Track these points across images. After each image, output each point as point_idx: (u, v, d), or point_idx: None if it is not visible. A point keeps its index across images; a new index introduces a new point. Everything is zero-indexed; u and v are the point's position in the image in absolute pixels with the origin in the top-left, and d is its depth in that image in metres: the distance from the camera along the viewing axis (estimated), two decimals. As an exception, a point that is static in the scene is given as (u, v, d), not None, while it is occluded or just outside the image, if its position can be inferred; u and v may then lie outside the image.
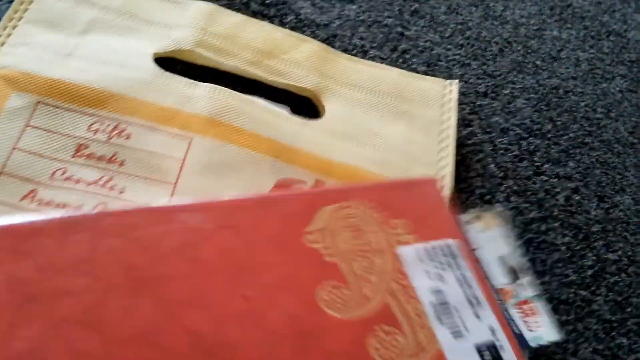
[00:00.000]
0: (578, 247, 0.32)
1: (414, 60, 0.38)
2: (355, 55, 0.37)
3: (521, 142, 0.36)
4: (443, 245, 0.24)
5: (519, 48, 0.42)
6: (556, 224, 0.33)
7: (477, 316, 0.22)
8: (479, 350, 0.21)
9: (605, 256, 0.32)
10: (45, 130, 0.27)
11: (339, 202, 0.24)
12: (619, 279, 0.32)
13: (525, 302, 0.24)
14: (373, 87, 0.35)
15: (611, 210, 0.35)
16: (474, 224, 0.25)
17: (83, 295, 0.19)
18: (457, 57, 0.39)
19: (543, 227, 0.33)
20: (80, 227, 0.20)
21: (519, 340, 0.23)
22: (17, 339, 0.17)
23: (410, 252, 0.23)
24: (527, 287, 0.25)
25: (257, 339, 0.19)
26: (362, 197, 0.24)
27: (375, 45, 0.38)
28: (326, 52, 0.35)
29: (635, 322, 0.30)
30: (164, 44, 0.31)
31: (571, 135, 0.38)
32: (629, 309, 0.31)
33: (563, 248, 0.32)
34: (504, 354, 0.22)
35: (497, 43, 0.41)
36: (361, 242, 0.23)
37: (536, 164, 0.36)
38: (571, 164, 0.36)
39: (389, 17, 0.40)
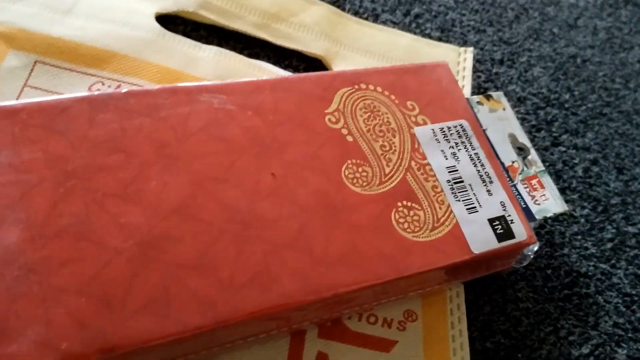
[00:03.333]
0: (597, 220, 0.31)
1: (428, 25, 0.37)
2: (366, 19, 0.35)
3: (538, 111, 0.35)
4: (457, 125, 0.25)
5: (535, 15, 0.40)
6: (575, 196, 0.32)
7: (489, 192, 0.24)
8: (491, 223, 0.23)
9: (625, 229, 0.31)
10: (44, 90, 0.25)
11: (354, 85, 0.24)
12: (639, 252, 0.30)
13: (531, 177, 0.26)
14: (385, 53, 0.33)
15: (630, 183, 0.33)
16: (482, 105, 0.27)
17: (119, 170, 0.19)
18: (472, 22, 0.38)
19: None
20: (107, 106, 0.20)
21: (526, 213, 0.25)
22: (63, 215, 0.18)
23: (426, 132, 0.24)
24: (532, 164, 0.26)
25: (289, 213, 0.20)
26: (376, 80, 0.25)
27: (387, 8, 0.36)
28: (336, 16, 0.33)
29: (655, 296, 0.30)
30: (166, 5, 0.30)
31: (589, 105, 0.36)
32: (650, 283, 0.30)
33: (582, 220, 0.31)
34: (513, 226, 0.23)
35: (513, 9, 0.40)
36: (379, 122, 0.24)
37: (554, 134, 0.34)
38: (589, 134, 0.35)
39: (401, -19, 0.38)
